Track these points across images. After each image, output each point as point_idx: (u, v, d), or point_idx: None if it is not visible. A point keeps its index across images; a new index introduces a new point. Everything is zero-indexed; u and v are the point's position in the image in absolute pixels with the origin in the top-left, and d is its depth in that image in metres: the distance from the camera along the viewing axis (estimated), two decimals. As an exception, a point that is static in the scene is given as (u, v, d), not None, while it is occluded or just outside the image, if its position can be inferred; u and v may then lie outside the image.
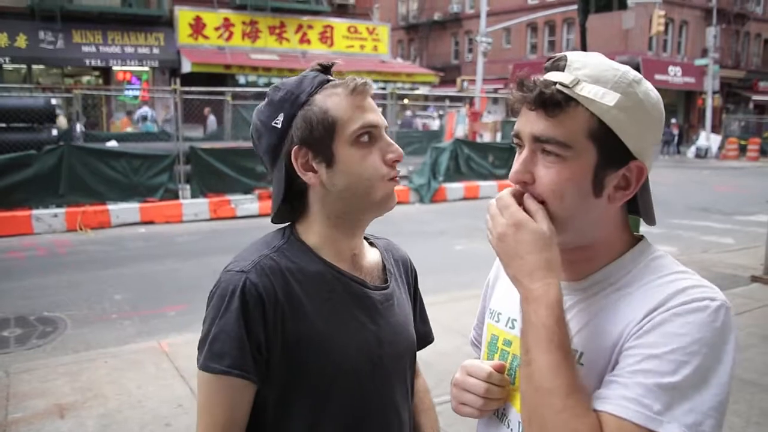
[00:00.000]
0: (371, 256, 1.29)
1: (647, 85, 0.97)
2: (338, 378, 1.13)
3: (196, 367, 1.11)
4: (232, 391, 1.08)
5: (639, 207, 1.03)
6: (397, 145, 1.17)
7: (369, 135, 1.13)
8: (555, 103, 0.92)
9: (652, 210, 1.05)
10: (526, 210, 0.95)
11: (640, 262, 1.00)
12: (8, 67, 19.50)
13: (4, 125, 10.10)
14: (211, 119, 17.30)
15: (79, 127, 11.84)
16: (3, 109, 10.21)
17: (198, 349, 1.11)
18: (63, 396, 3.92)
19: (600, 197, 0.97)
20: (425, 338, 1.40)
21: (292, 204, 1.20)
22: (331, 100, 1.12)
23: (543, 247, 0.92)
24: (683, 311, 0.89)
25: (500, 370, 1.09)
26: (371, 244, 1.32)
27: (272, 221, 1.23)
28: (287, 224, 1.23)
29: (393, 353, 1.22)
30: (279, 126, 1.13)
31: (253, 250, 1.16)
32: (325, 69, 1.19)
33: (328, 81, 1.16)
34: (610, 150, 0.94)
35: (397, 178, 1.17)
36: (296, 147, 1.13)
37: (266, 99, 1.17)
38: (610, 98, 0.92)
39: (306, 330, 1.10)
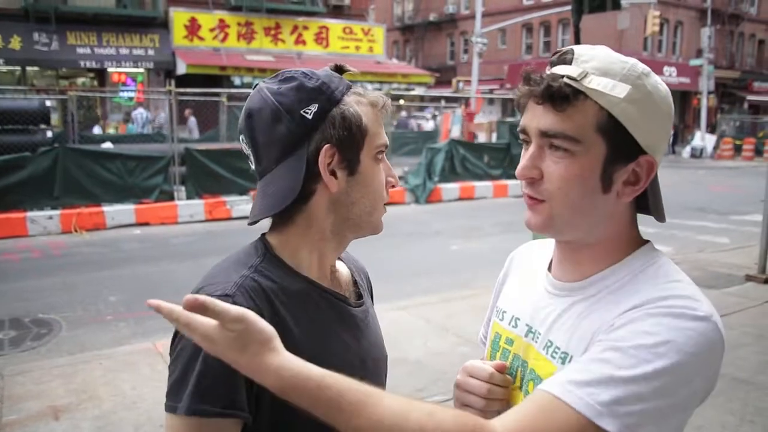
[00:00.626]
0: (343, 270, 1.22)
1: (656, 78, 0.95)
2: None
3: (168, 413, 0.95)
4: None
5: (649, 203, 1.01)
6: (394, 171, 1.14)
7: (382, 154, 1.10)
8: (563, 96, 0.90)
9: (662, 207, 1.02)
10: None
11: (639, 267, 0.97)
12: (2, 68, 19.39)
13: (-2, 127, 10.08)
14: (192, 120, 17.10)
15: (96, 129, 11.67)
16: (-3, 111, 10.18)
17: (171, 391, 0.96)
18: (58, 398, 3.91)
19: (608, 193, 0.94)
20: None
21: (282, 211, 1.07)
22: (360, 108, 1.05)
23: (241, 349, 0.78)
24: (658, 313, 0.86)
25: (501, 370, 1.07)
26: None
27: (250, 224, 1.09)
28: (259, 237, 1.12)
29: (374, 372, 1.17)
30: (309, 116, 1.02)
31: (229, 269, 1.04)
32: (339, 71, 1.11)
33: (351, 86, 1.09)
34: (619, 144, 0.92)
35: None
36: (327, 145, 1.03)
37: (291, 82, 1.04)
38: (619, 90, 0.90)
39: (293, 354, 1.05)
